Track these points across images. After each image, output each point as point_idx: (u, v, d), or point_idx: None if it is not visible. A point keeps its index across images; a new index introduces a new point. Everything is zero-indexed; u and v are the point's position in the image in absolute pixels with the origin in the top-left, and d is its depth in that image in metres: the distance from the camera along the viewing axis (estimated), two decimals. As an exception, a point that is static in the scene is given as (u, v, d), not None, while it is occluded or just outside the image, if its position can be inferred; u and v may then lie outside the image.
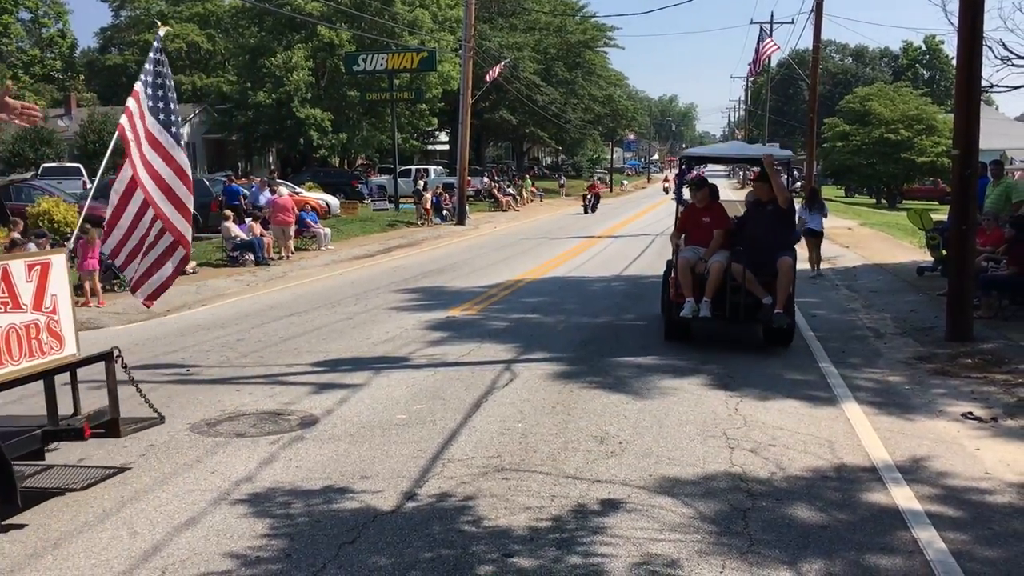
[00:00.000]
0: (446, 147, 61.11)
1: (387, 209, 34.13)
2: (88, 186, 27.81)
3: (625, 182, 78.48)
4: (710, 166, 18.59)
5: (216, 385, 8.18)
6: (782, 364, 8.97)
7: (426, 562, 4.45)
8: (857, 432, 6.58)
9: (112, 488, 5.51)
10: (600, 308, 12.68)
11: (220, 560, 4.50)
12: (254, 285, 15.72)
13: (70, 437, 5.45)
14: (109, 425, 5.62)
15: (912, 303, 12.72)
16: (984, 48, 10.14)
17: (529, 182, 49.23)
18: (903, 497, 5.29)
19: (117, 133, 6.90)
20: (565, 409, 7.24)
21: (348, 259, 20.06)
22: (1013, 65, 13.09)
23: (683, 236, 9.93)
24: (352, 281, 16.08)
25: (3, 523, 4.90)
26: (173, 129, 7.13)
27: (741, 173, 69.43)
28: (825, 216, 16.98)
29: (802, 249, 12.53)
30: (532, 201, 46.00)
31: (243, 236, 18.58)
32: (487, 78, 35.85)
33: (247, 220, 19.63)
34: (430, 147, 62.25)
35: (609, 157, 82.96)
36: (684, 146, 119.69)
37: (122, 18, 68.17)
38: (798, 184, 35.50)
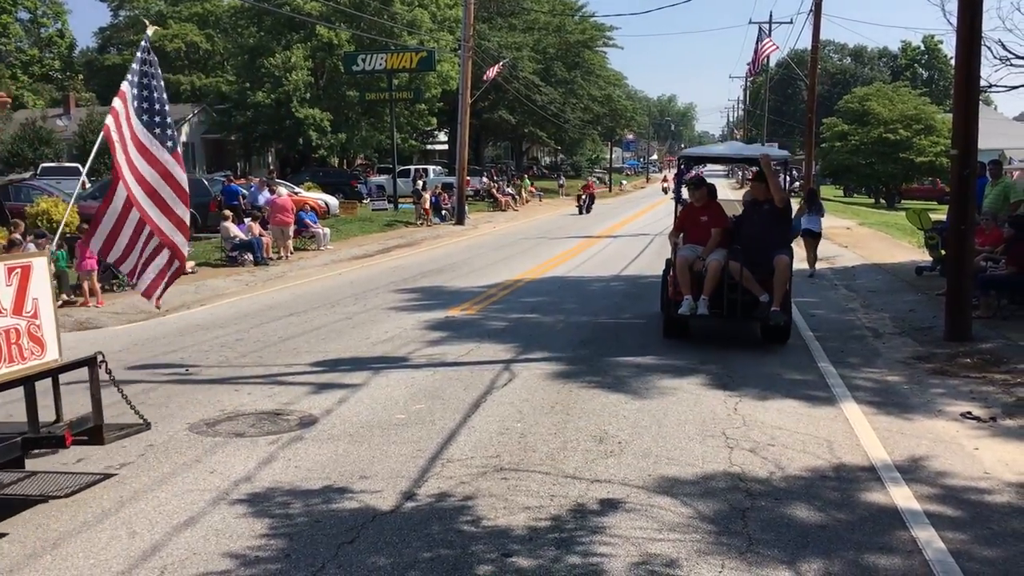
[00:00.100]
0: (445, 147, 61.10)
1: (386, 209, 34.13)
2: (87, 186, 27.78)
3: (624, 182, 78.46)
4: (709, 166, 18.63)
5: (215, 385, 8.18)
6: (781, 364, 8.97)
7: (425, 562, 4.45)
8: (856, 432, 6.59)
9: (111, 488, 5.51)
10: (599, 308, 12.68)
11: (219, 560, 4.50)
12: (253, 285, 15.72)
13: (51, 445, 5.32)
14: (92, 432, 5.44)
15: (911, 303, 12.73)
16: (983, 48, 10.18)
17: (528, 182, 49.22)
18: (902, 497, 5.29)
19: (102, 134, 6.72)
20: (564, 409, 7.24)
21: (347, 259, 20.06)
22: (1012, 65, 13.12)
23: (681, 235, 9.98)
24: (351, 281, 16.08)
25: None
26: (158, 131, 6.97)
27: (740, 173, 69.47)
28: (822, 216, 17.02)
29: (799, 249, 12.57)
30: (531, 201, 46.00)
31: (242, 236, 18.57)
32: (485, 77, 35.84)
33: (246, 220, 19.61)
34: (429, 147, 62.24)
35: (608, 157, 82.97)
36: (683, 146, 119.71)
37: (121, 18, 68.22)
38: (797, 184, 35.70)
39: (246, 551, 4.59)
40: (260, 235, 19.01)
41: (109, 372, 5.66)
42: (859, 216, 33.49)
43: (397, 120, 37.74)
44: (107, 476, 5.70)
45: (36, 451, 5.58)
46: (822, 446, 6.26)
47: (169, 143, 7.09)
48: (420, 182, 35.51)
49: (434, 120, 51.87)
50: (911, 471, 5.76)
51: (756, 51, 36.61)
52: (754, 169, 10.51)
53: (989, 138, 23.28)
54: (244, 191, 23.75)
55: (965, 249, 9.97)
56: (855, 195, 55.53)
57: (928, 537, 4.72)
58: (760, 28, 37.87)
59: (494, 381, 8.21)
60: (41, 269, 5.25)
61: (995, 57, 13.21)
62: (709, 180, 10.76)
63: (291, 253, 19.82)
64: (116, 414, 6.08)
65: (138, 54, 7.13)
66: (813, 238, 16.37)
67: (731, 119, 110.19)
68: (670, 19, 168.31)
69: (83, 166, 34.64)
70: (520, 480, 5.58)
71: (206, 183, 24.50)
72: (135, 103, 6.90)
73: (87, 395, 5.45)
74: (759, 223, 9.66)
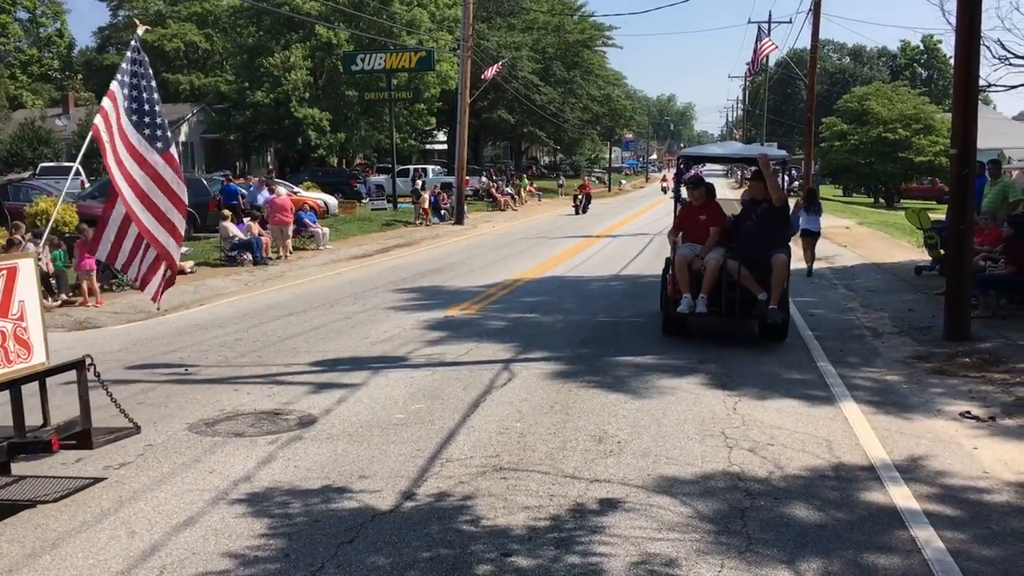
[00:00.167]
0: (444, 147, 61.10)
1: (385, 209, 34.12)
2: (87, 186, 27.77)
3: (623, 181, 78.45)
4: (707, 165, 18.66)
5: (214, 385, 8.17)
6: (780, 363, 8.98)
7: (424, 562, 4.45)
8: (855, 431, 6.59)
9: (110, 488, 5.50)
10: (598, 307, 12.69)
11: (218, 560, 4.50)
12: (252, 285, 15.71)
13: (37, 450, 5.24)
14: (81, 436, 5.35)
15: (910, 302, 12.74)
16: (982, 47, 10.18)
17: (527, 182, 49.22)
18: (901, 496, 5.29)
19: (91, 134, 6.66)
20: (563, 408, 7.24)
21: (346, 259, 20.05)
22: (1011, 64, 13.14)
23: (680, 234, 10.02)
24: (350, 281, 16.08)
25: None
26: (148, 131, 6.91)
27: (739, 172, 69.48)
28: (820, 216, 17.05)
29: (798, 248, 12.57)
30: (530, 201, 46.00)
31: (241, 236, 18.56)
32: (484, 77, 35.84)
33: (245, 220, 19.60)
34: (428, 146, 62.23)
35: (607, 156, 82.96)
36: (682, 145, 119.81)
37: (120, 17, 68.13)
38: (796, 184, 35.69)
39: (245, 551, 4.59)
40: (259, 235, 19.00)
41: (98, 375, 5.60)
42: (858, 215, 33.50)
43: (396, 120, 37.73)
44: (97, 480, 5.62)
45: (30, 454, 5.53)
46: (821, 445, 6.26)
47: (159, 144, 6.99)
48: (419, 182, 35.50)
49: (433, 120, 51.88)
50: (910, 470, 5.77)
51: (755, 51, 36.66)
52: (752, 168, 10.56)
53: (988, 137, 23.32)
54: (243, 191, 23.75)
55: (964, 249, 9.97)
56: (854, 195, 55.55)
57: (927, 536, 4.72)
58: (759, 27, 37.97)
59: (493, 381, 8.21)
60: (27, 271, 5.16)
61: (994, 57, 13.24)
62: (708, 179, 10.82)
63: (290, 253, 19.81)
64: (109, 416, 6.07)
65: (128, 53, 7.08)
66: (812, 238, 16.40)
67: (730, 119, 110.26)
68: (669, 19, 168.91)
69: (81, 167, 34.57)
70: (519, 480, 5.58)
71: (205, 183, 24.48)
72: (125, 103, 6.83)
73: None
74: (757, 222, 9.71)
